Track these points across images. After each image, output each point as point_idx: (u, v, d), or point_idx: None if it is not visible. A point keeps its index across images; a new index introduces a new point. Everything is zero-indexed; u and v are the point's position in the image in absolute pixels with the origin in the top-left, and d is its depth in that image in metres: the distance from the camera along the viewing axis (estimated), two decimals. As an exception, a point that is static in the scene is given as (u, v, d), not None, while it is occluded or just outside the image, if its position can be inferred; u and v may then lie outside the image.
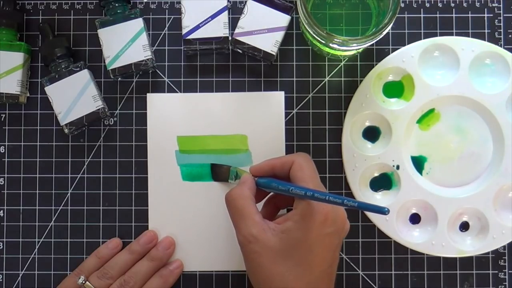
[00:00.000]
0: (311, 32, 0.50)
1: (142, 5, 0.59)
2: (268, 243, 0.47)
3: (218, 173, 0.57)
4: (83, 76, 0.56)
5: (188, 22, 0.56)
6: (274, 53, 0.56)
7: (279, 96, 0.58)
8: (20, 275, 0.58)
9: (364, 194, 0.57)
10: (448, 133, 0.57)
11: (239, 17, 0.56)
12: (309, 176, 0.48)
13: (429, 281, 0.58)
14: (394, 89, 0.57)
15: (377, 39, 0.49)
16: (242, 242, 0.48)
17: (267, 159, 0.52)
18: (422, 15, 0.58)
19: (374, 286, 0.58)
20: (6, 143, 0.59)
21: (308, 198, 0.46)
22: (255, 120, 0.58)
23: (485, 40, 0.58)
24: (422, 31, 0.58)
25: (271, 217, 0.50)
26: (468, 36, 0.58)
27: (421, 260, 0.58)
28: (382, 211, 0.43)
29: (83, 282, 0.54)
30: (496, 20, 0.58)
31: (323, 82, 0.58)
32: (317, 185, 0.49)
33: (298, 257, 0.46)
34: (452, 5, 0.59)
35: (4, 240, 0.58)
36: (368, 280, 0.58)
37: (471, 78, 0.56)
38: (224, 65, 0.59)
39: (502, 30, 0.58)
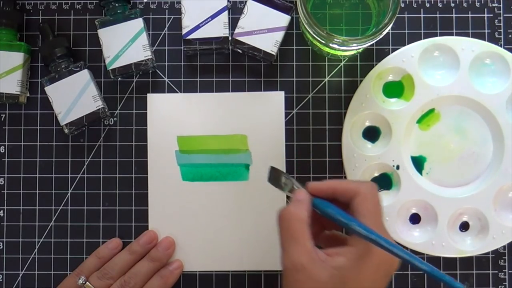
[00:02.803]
0: (311, 32, 0.50)
1: (142, 5, 0.59)
2: (316, 276, 0.43)
3: (273, 176, 0.51)
4: (83, 76, 0.56)
5: (188, 22, 0.56)
6: (274, 53, 0.56)
7: (279, 96, 0.58)
8: (20, 275, 0.58)
9: (364, 194, 0.57)
10: (448, 133, 0.57)
11: (239, 17, 0.56)
12: (373, 212, 0.44)
13: (429, 281, 0.57)
14: (394, 89, 0.57)
15: (377, 39, 0.49)
16: (289, 268, 0.44)
17: (329, 180, 0.48)
18: (422, 15, 0.58)
19: (374, 286, 0.58)
20: (6, 143, 0.59)
21: (372, 241, 0.42)
22: (255, 120, 0.58)
23: (485, 40, 0.58)
24: (422, 31, 0.58)
25: (314, 238, 0.46)
26: (468, 36, 0.58)
27: (421, 260, 0.58)
28: (455, 287, 0.41)
29: (83, 282, 0.54)
30: (496, 20, 0.58)
31: (323, 82, 0.58)
32: (379, 225, 0.45)
33: None
34: (452, 5, 0.59)
35: (4, 240, 0.58)
36: (368, 280, 0.58)
37: (471, 78, 0.56)
38: (224, 65, 0.59)
39: (502, 30, 0.58)
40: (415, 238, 0.56)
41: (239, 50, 0.57)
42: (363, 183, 0.46)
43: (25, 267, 0.58)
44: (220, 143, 0.58)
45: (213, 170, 0.58)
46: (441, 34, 0.58)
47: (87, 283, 0.54)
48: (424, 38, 0.57)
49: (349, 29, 0.55)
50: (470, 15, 0.58)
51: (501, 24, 0.58)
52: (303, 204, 0.45)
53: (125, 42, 0.56)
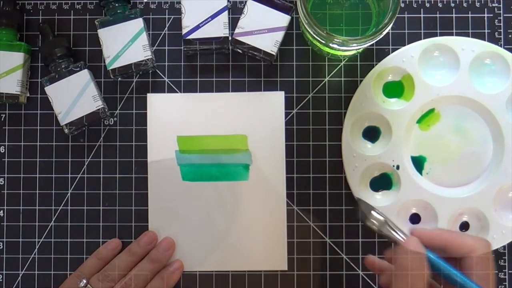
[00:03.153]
0: (311, 32, 0.50)
1: (142, 5, 0.59)
2: None
3: (361, 211, 0.49)
4: (83, 76, 0.56)
5: (188, 22, 0.56)
6: (274, 53, 0.56)
7: (279, 96, 0.58)
8: (20, 275, 0.58)
9: (364, 194, 0.57)
10: (448, 133, 0.57)
11: (239, 17, 0.56)
12: (489, 274, 0.43)
13: (429, 281, 0.57)
14: (394, 89, 0.57)
15: (377, 39, 0.49)
16: None
17: (439, 229, 0.47)
18: (422, 15, 0.58)
19: (374, 286, 0.58)
20: (6, 143, 0.59)
21: None
22: (255, 120, 0.58)
23: (485, 40, 0.58)
24: (422, 31, 0.58)
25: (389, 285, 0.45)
26: (468, 36, 0.58)
27: (421, 260, 0.58)
28: None
29: (85, 285, 0.54)
30: (496, 20, 0.58)
31: (323, 82, 0.58)
32: (493, 286, 0.44)
33: None
34: (452, 5, 0.59)
35: (4, 240, 0.58)
36: (368, 280, 0.58)
37: (471, 78, 0.56)
38: (224, 65, 0.59)
39: (502, 30, 0.58)
40: (415, 238, 0.56)
41: (239, 50, 0.57)
42: (479, 240, 0.44)
43: (25, 267, 0.58)
44: (220, 143, 0.58)
45: (213, 170, 0.58)
46: (441, 34, 0.58)
47: (88, 285, 0.54)
48: (424, 38, 0.57)
49: (349, 29, 0.55)
50: (470, 15, 0.58)
51: (501, 24, 0.58)
52: (425, 258, 0.43)
53: (125, 42, 0.56)
